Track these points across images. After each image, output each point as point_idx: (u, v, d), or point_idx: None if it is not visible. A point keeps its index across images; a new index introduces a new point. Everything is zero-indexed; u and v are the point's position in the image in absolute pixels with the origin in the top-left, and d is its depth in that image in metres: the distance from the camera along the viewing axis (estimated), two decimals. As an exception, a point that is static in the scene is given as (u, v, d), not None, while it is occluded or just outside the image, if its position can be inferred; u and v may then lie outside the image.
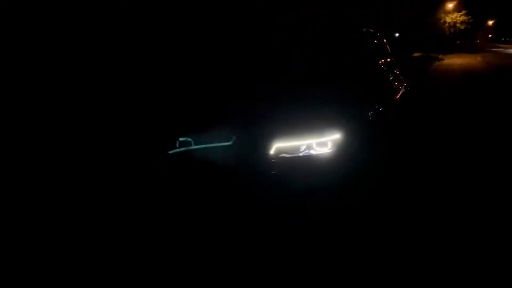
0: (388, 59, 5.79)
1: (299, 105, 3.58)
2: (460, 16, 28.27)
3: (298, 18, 4.69)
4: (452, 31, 28.22)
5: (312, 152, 3.40)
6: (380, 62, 5.22)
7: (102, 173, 3.82)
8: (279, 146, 3.35)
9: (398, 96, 5.46)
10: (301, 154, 3.38)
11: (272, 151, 3.34)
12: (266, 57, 4.33)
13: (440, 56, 25.44)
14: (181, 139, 3.37)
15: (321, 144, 3.42)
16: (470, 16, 27.73)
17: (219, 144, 3.26)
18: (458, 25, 28.13)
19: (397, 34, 25.41)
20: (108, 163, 3.80)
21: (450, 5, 27.85)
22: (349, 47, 4.38)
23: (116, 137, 3.65)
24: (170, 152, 3.33)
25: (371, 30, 5.43)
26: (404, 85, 6.02)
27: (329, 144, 3.43)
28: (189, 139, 3.37)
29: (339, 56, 4.25)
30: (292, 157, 3.37)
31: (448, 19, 28.33)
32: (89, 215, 3.52)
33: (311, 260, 2.93)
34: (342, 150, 3.45)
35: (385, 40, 6.12)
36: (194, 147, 3.31)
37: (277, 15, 4.74)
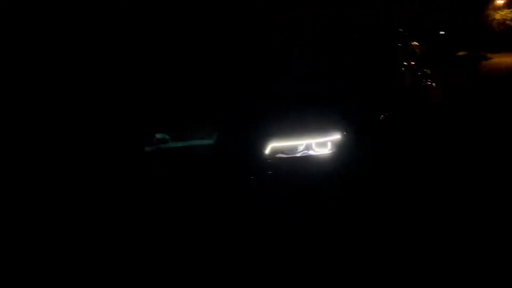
0: (417, 61, 5.48)
1: (296, 103, 3.44)
2: (510, 13, 26.84)
3: (299, 18, 4.54)
4: (502, 29, 26.81)
5: (311, 152, 3.25)
6: (403, 63, 4.94)
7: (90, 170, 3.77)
8: (275, 145, 3.22)
9: (425, 99, 5.19)
10: (298, 155, 3.24)
11: (267, 151, 3.21)
12: (266, 56, 4.20)
13: (488, 55, 24.24)
14: (158, 135, 3.26)
15: (321, 144, 3.27)
16: (521, 13, 26.34)
17: (199, 143, 3.16)
18: (508, 22, 26.71)
19: (442, 32, 24.41)
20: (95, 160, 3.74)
21: (500, 1, 26.47)
22: (358, 47, 4.17)
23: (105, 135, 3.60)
24: (146, 149, 3.23)
25: (399, 30, 5.13)
26: (437, 88, 5.71)
27: (329, 145, 3.26)
28: (167, 136, 3.25)
29: (344, 56, 4.06)
30: (289, 157, 3.24)
31: (497, 16, 26.93)
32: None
33: (310, 261, 2.83)
34: (343, 152, 3.28)
35: (414, 43, 5.76)
36: (173, 144, 3.21)
37: (277, 14, 4.58)
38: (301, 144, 3.24)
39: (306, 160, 3.23)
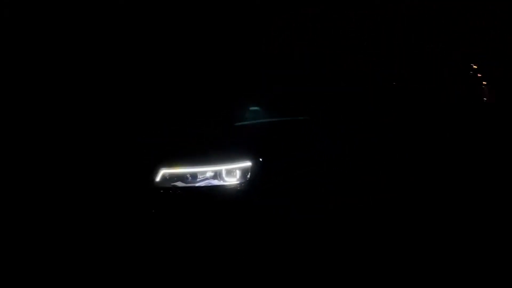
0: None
1: (200, 117, 2.78)
2: None
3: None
4: None
5: (216, 182, 2.57)
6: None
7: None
8: (168, 171, 2.57)
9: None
10: (199, 184, 2.57)
11: (158, 178, 2.56)
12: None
13: None
14: (251, 108, 2.92)
15: (229, 172, 2.58)
16: None
17: None
18: None
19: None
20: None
21: None
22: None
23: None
24: (236, 124, 2.74)
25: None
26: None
27: (237, 174, 2.56)
28: (258, 108, 2.86)
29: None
30: (188, 187, 2.58)
31: None
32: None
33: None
34: (260, 184, 2.57)
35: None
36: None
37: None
38: (204, 171, 2.57)
39: (208, 192, 2.55)
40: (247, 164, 2.54)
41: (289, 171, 2.67)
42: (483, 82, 5.99)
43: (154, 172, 2.54)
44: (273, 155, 2.64)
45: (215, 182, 2.55)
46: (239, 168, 2.55)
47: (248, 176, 2.54)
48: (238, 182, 2.54)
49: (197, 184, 2.56)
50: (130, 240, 2.56)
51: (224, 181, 2.56)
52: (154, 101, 3.41)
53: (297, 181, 2.70)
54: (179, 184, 2.57)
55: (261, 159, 2.57)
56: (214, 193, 2.54)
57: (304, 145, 2.81)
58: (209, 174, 2.56)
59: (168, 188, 2.55)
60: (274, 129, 2.80)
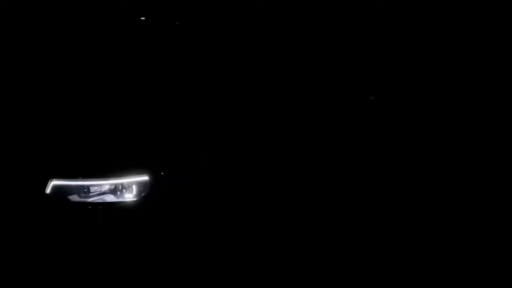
0: None
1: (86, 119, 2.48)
2: None
3: None
4: None
5: (110, 197, 2.24)
6: None
7: None
8: (58, 183, 2.27)
9: None
10: (92, 200, 2.26)
11: (48, 190, 2.26)
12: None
13: None
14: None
15: (124, 187, 2.25)
16: None
17: None
18: None
19: None
20: None
21: None
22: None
23: None
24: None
25: None
26: None
27: (134, 189, 2.23)
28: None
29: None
30: (80, 202, 2.26)
31: None
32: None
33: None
34: (156, 202, 2.22)
35: None
36: None
37: None
38: (97, 185, 2.25)
39: (98, 209, 2.23)
40: (144, 178, 2.20)
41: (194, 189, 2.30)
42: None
43: (44, 182, 2.24)
44: (179, 169, 2.28)
45: (109, 197, 2.23)
46: (135, 183, 2.21)
47: (144, 193, 2.20)
48: (133, 198, 2.21)
49: (89, 200, 2.24)
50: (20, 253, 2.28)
51: (118, 196, 2.24)
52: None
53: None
54: (74, 198, 2.26)
55: (162, 173, 2.22)
56: (105, 210, 2.22)
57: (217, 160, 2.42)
58: (103, 188, 2.24)
59: (60, 202, 2.25)
60: (185, 140, 2.43)
